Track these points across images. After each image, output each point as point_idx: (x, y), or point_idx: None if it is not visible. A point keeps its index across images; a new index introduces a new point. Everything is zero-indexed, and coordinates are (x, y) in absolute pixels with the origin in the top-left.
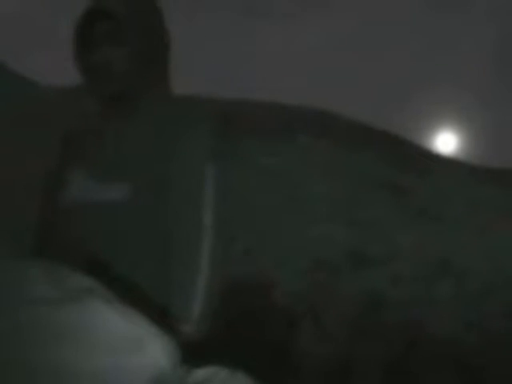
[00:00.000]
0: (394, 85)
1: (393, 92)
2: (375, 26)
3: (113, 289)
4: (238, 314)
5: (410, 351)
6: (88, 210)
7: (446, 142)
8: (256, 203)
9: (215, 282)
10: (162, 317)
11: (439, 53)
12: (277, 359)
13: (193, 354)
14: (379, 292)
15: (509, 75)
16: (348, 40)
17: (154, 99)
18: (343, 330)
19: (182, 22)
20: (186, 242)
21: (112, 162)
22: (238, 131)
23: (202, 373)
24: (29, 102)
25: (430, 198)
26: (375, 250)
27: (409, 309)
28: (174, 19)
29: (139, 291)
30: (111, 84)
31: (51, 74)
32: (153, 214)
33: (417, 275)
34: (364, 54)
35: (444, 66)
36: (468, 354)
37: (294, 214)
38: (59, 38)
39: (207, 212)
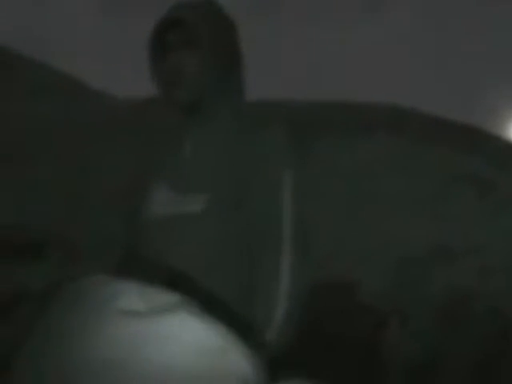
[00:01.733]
0: (469, 79)
1: (468, 86)
2: (443, 22)
3: (195, 300)
4: (324, 316)
5: (500, 343)
6: (169, 222)
7: None
8: (337, 204)
9: (297, 290)
10: (244, 326)
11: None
12: (364, 358)
13: (278, 360)
14: (467, 285)
15: None
16: (416, 36)
17: (228, 107)
18: (431, 327)
19: (248, 29)
20: (266, 251)
21: (190, 172)
22: (313, 134)
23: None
24: (110, 116)
25: None
26: (460, 244)
27: (498, 300)
28: (244, 25)
29: (220, 302)
30: (185, 92)
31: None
32: (232, 224)
33: (504, 267)
34: (436, 50)
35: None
36: None
37: (376, 213)
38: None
39: (286, 219)
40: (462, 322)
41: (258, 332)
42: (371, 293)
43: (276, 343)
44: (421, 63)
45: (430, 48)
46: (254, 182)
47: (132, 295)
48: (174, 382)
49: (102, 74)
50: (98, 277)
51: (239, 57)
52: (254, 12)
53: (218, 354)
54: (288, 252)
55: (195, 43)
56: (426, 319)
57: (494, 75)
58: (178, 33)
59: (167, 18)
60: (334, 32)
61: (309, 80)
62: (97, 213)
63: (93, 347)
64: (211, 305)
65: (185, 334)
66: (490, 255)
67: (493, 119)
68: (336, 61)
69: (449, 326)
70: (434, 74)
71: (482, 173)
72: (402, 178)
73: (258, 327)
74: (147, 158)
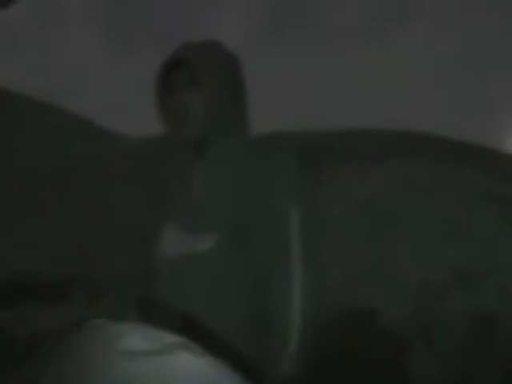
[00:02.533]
0: (483, 97)
1: (483, 103)
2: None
3: (205, 343)
4: (346, 343)
5: None
6: (179, 263)
7: None
8: (354, 231)
9: (309, 320)
10: (254, 371)
11: None
12: (390, 383)
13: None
14: (489, 307)
15: None
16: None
17: (234, 143)
18: (456, 351)
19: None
20: (277, 283)
21: (199, 211)
22: (325, 162)
23: None
24: (122, 154)
25: None
26: (482, 265)
27: None
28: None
29: (230, 346)
30: (190, 129)
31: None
32: (242, 262)
33: None
34: (449, 67)
35: None
36: None
37: (394, 237)
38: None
39: (296, 254)
40: (486, 344)
41: (272, 365)
42: (393, 317)
43: (290, 375)
44: (434, 82)
45: (443, 64)
46: (263, 214)
47: (135, 336)
48: None
49: (110, 112)
50: (99, 320)
51: (243, 91)
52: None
53: None
54: (299, 282)
55: (199, 82)
56: (450, 342)
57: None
58: (183, 72)
59: (173, 58)
60: (340, 53)
61: (313, 109)
62: (118, 254)
63: None
64: (222, 350)
65: (189, 377)
66: (511, 276)
67: (508, 136)
68: (342, 84)
69: (473, 348)
70: (447, 93)
71: (503, 192)
72: (419, 201)
73: (272, 359)
74: (156, 198)
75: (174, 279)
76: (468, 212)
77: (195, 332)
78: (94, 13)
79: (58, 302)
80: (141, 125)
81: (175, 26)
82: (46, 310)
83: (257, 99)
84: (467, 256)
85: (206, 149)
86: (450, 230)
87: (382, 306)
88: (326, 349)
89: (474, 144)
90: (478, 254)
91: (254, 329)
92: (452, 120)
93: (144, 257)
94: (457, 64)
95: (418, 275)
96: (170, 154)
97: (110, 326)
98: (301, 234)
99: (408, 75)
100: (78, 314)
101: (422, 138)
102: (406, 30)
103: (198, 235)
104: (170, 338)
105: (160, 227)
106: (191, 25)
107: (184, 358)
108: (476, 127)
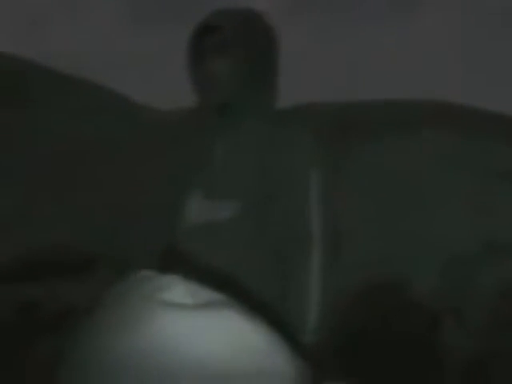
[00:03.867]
0: (501, 71)
1: (502, 77)
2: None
3: (242, 303)
4: (376, 317)
5: None
6: (204, 230)
7: None
8: (383, 204)
9: (329, 291)
10: (288, 330)
11: None
12: (420, 358)
13: (320, 363)
14: None
15: None
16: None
17: (259, 111)
18: (485, 322)
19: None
20: (297, 253)
21: (222, 178)
22: (357, 134)
23: None
24: (157, 130)
25: None
26: (509, 238)
27: None
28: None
29: (265, 305)
30: (218, 95)
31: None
32: (263, 229)
33: None
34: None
35: None
36: None
37: (423, 210)
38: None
39: (315, 221)
40: None
41: (295, 334)
42: (423, 292)
43: (312, 345)
44: (460, 57)
45: (469, 41)
46: (283, 183)
47: (178, 289)
48: (215, 377)
49: (139, 86)
50: (144, 272)
51: (275, 62)
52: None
53: (263, 354)
54: (318, 254)
55: (230, 49)
56: (480, 316)
57: None
58: (214, 38)
59: (204, 24)
60: (368, 30)
61: (346, 80)
62: (143, 227)
63: (137, 338)
64: (256, 307)
65: (231, 332)
66: None
67: None
68: (375, 59)
69: (502, 322)
70: (475, 69)
71: None
72: (449, 175)
73: (294, 329)
74: (182, 166)
75: (199, 246)
76: (496, 186)
77: (232, 290)
78: None
79: (86, 276)
80: (168, 97)
81: (201, 3)
82: (74, 285)
83: (284, 73)
84: (495, 230)
85: (232, 115)
86: (478, 204)
87: (413, 279)
88: (352, 320)
89: (506, 116)
90: (506, 228)
91: (276, 296)
92: (472, 91)
93: (170, 226)
94: (482, 36)
95: (448, 249)
96: (195, 125)
97: (155, 278)
98: (323, 205)
99: (431, 50)
100: (105, 289)
101: (448, 108)
102: (424, 9)
103: (222, 203)
104: (213, 294)
105: (185, 196)
106: (215, 3)
107: (227, 315)
108: (492, 97)
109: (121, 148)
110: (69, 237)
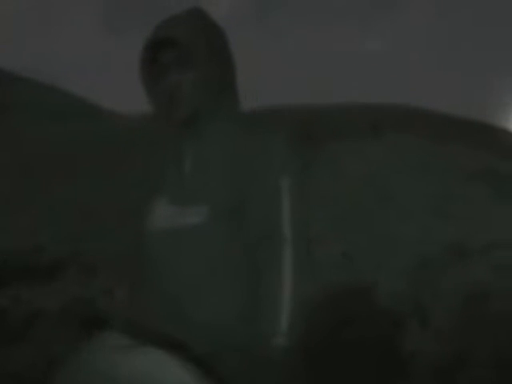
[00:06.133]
0: (474, 73)
1: (475, 80)
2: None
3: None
4: (343, 320)
5: None
6: (172, 235)
7: None
8: (349, 206)
9: (301, 294)
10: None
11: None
12: (384, 361)
13: (292, 364)
14: (484, 283)
15: None
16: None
17: (225, 119)
18: (451, 325)
19: (255, 28)
20: (268, 258)
21: (191, 185)
22: (323, 137)
23: None
24: (122, 134)
25: None
26: (476, 242)
27: None
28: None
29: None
30: (181, 109)
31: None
32: (233, 234)
33: None
34: (438, 44)
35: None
36: None
37: (389, 213)
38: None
39: (285, 225)
40: (480, 321)
41: (265, 337)
42: (389, 294)
43: (284, 347)
44: (428, 60)
45: (439, 43)
46: (254, 190)
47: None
48: None
49: (111, 91)
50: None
51: (232, 66)
52: (256, 15)
53: None
54: (290, 258)
55: (189, 60)
56: (445, 318)
57: (497, 67)
58: (171, 51)
59: (158, 38)
60: (343, 31)
61: (314, 83)
62: (110, 230)
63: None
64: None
65: (155, 374)
66: (505, 252)
67: (503, 112)
68: (347, 60)
69: (468, 324)
70: (443, 70)
71: (496, 168)
72: (415, 178)
73: (264, 333)
74: (148, 172)
75: (166, 251)
76: (462, 188)
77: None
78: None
79: (51, 281)
80: (137, 102)
81: (165, 7)
82: (40, 290)
83: (249, 76)
84: (461, 232)
85: (198, 126)
86: (444, 206)
87: (378, 282)
88: (319, 324)
89: (470, 120)
90: (472, 231)
91: (246, 301)
92: (448, 93)
93: (136, 231)
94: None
95: (413, 252)
96: (162, 131)
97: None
98: (292, 209)
99: (403, 55)
100: (71, 293)
101: (418, 113)
102: (400, 12)
103: (190, 209)
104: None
105: (152, 202)
106: (180, 5)
107: (153, 355)
108: (475, 100)
109: (88, 153)
110: (35, 241)
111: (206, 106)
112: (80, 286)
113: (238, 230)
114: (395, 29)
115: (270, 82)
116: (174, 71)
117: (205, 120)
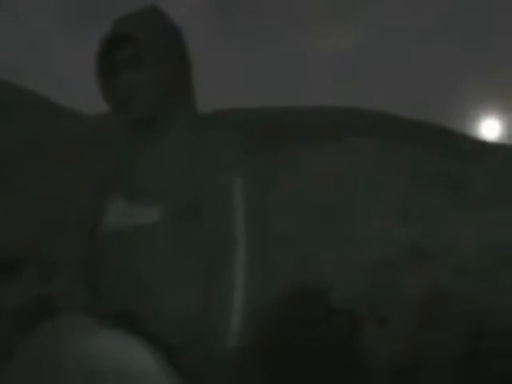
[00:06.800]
0: (434, 78)
1: (435, 84)
2: (416, 22)
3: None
4: (297, 320)
5: (477, 342)
6: (126, 234)
7: (492, 128)
8: (308, 208)
9: (253, 295)
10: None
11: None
12: (342, 361)
13: (245, 364)
14: (442, 285)
15: None
16: (386, 39)
17: (180, 120)
18: (409, 327)
19: (211, 30)
20: (221, 258)
21: (145, 184)
22: (282, 138)
23: None
24: (82, 134)
25: (486, 187)
26: (435, 244)
27: (473, 300)
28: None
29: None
30: (135, 108)
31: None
32: (187, 233)
33: (479, 266)
34: (408, 50)
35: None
36: None
37: (348, 216)
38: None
39: (239, 226)
40: (439, 322)
41: (217, 338)
42: (347, 297)
43: (234, 348)
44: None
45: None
46: (206, 190)
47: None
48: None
49: (72, 92)
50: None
51: (188, 66)
52: (217, 17)
53: (141, 375)
54: (242, 259)
55: (144, 60)
56: (404, 321)
57: (464, 70)
58: (126, 49)
59: (114, 35)
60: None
61: (274, 87)
62: (70, 230)
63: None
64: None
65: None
66: (464, 255)
67: (463, 116)
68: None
69: (426, 326)
70: (404, 73)
71: (455, 172)
72: (376, 181)
73: (216, 333)
74: (104, 171)
75: (120, 250)
76: (422, 192)
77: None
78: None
79: (11, 279)
80: (95, 101)
81: (126, 6)
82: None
83: (208, 79)
84: (420, 235)
85: (152, 127)
86: (404, 209)
87: (335, 285)
88: (276, 325)
89: (429, 124)
90: (431, 234)
91: (201, 301)
92: (409, 98)
93: (92, 230)
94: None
95: (373, 254)
96: (118, 130)
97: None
98: (246, 210)
99: (357, 61)
100: (31, 291)
101: (380, 117)
102: (354, 21)
103: (144, 208)
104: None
105: (107, 201)
106: (139, 5)
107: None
108: (436, 102)
109: (46, 151)
110: None
111: (160, 107)
112: (40, 284)
113: (193, 230)
114: (361, 29)
115: (232, 84)
116: (128, 70)
117: (159, 120)
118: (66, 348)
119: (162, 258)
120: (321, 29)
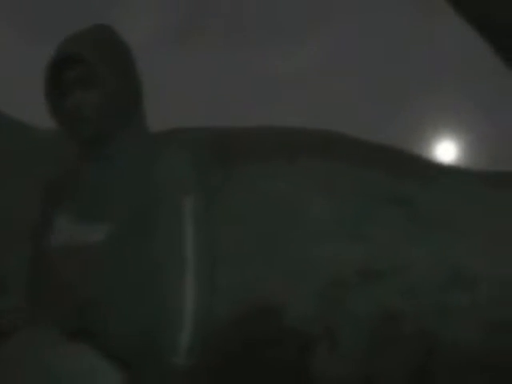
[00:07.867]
0: (391, 97)
1: (391, 104)
2: (369, 39)
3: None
4: (249, 340)
5: (428, 360)
6: (73, 253)
7: (447, 151)
8: (260, 227)
9: (202, 314)
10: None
11: (436, 61)
12: (293, 382)
13: (195, 382)
14: (393, 306)
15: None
16: (344, 55)
17: (129, 139)
18: (360, 348)
19: (175, 51)
20: (170, 277)
21: (93, 203)
22: (234, 157)
23: None
24: (31, 147)
25: (438, 208)
26: (385, 265)
27: (423, 320)
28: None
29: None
30: (85, 128)
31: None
32: (136, 252)
33: (429, 286)
34: (360, 69)
35: (440, 75)
36: (489, 356)
37: (300, 236)
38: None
39: (187, 245)
40: (391, 342)
41: (164, 357)
42: (298, 317)
43: (183, 368)
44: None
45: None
46: (155, 209)
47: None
48: None
49: (25, 105)
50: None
51: (138, 85)
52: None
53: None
54: (191, 278)
55: (92, 79)
56: (355, 341)
57: (416, 90)
58: (74, 69)
59: (61, 55)
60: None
61: (232, 106)
62: (20, 246)
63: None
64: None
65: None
66: (414, 275)
67: (418, 136)
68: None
69: (378, 346)
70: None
71: (406, 192)
72: (328, 202)
73: (163, 352)
74: (52, 188)
75: (66, 267)
76: (372, 213)
77: (90, 317)
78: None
79: None
80: (45, 114)
81: (83, 21)
82: None
83: (165, 98)
84: (371, 256)
85: (102, 146)
86: (358, 229)
87: (287, 304)
88: (227, 344)
89: (383, 146)
90: (383, 255)
91: (149, 318)
92: (369, 118)
93: (40, 247)
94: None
95: (325, 274)
96: (68, 145)
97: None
98: (195, 229)
99: (323, 77)
100: None
101: (336, 138)
102: (319, 34)
103: (92, 226)
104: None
105: (53, 219)
106: (98, 21)
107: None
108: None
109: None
110: None
111: (110, 126)
112: None
113: (142, 249)
114: (326, 46)
115: (188, 104)
116: (77, 90)
117: (109, 140)
118: (33, 355)
119: (110, 275)
120: (293, 41)
